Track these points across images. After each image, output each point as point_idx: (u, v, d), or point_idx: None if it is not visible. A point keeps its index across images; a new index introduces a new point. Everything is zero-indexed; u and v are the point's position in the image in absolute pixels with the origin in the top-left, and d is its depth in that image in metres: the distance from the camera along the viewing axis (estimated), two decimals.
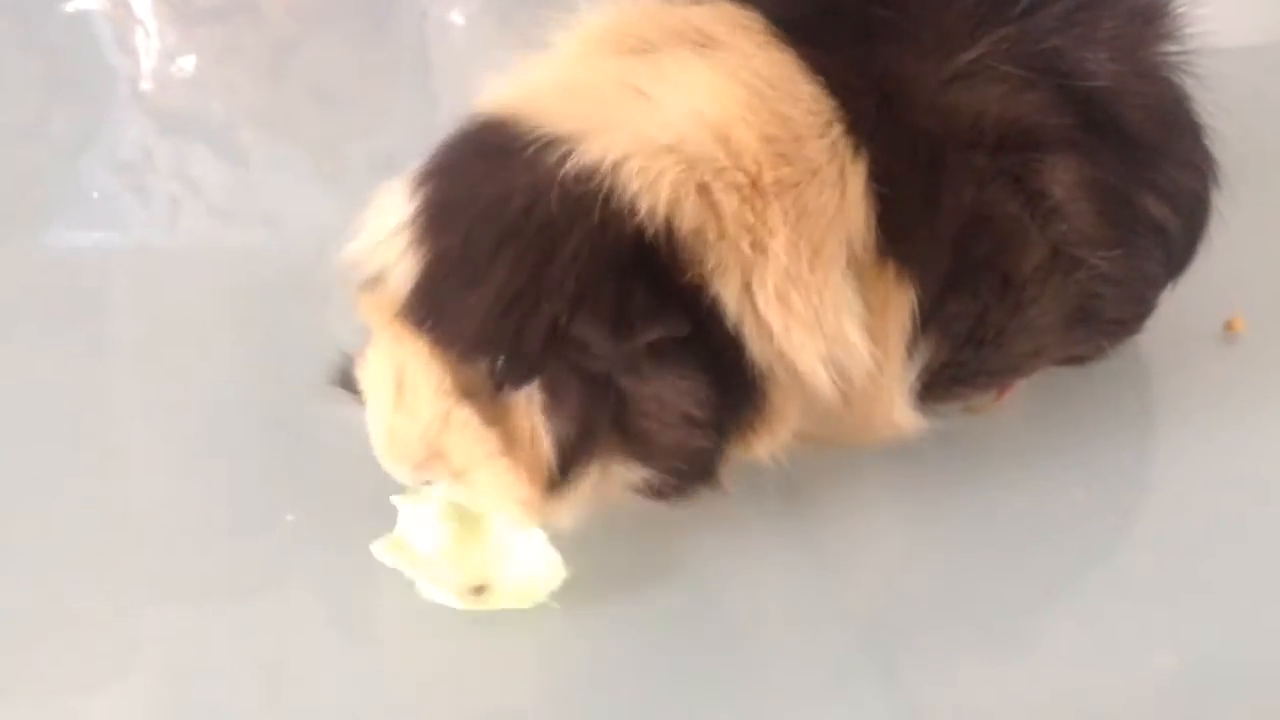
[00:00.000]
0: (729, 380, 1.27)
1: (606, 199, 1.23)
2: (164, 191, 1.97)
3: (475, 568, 1.35)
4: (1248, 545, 1.43)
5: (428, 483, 1.32)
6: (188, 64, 1.99)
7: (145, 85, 1.99)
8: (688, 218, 1.25)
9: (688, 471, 1.30)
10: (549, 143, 1.25)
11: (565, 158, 1.24)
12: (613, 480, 1.30)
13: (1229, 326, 1.67)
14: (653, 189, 1.24)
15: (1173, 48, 1.48)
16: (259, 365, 1.69)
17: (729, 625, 1.34)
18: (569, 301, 1.21)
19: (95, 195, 1.97)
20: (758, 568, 1.40)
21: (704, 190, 1.25)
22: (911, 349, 1.36)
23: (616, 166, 1.24)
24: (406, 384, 1.28)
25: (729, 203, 1.26)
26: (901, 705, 1.27)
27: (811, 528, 1.43)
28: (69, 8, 1.93)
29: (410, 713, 1.28)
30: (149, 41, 1.98)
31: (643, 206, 1.23)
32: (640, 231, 1.23)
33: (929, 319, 1.35)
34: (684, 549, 1.40)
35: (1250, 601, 1.37)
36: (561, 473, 1.26)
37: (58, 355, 1.72)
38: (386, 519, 1.38)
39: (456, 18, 2.03)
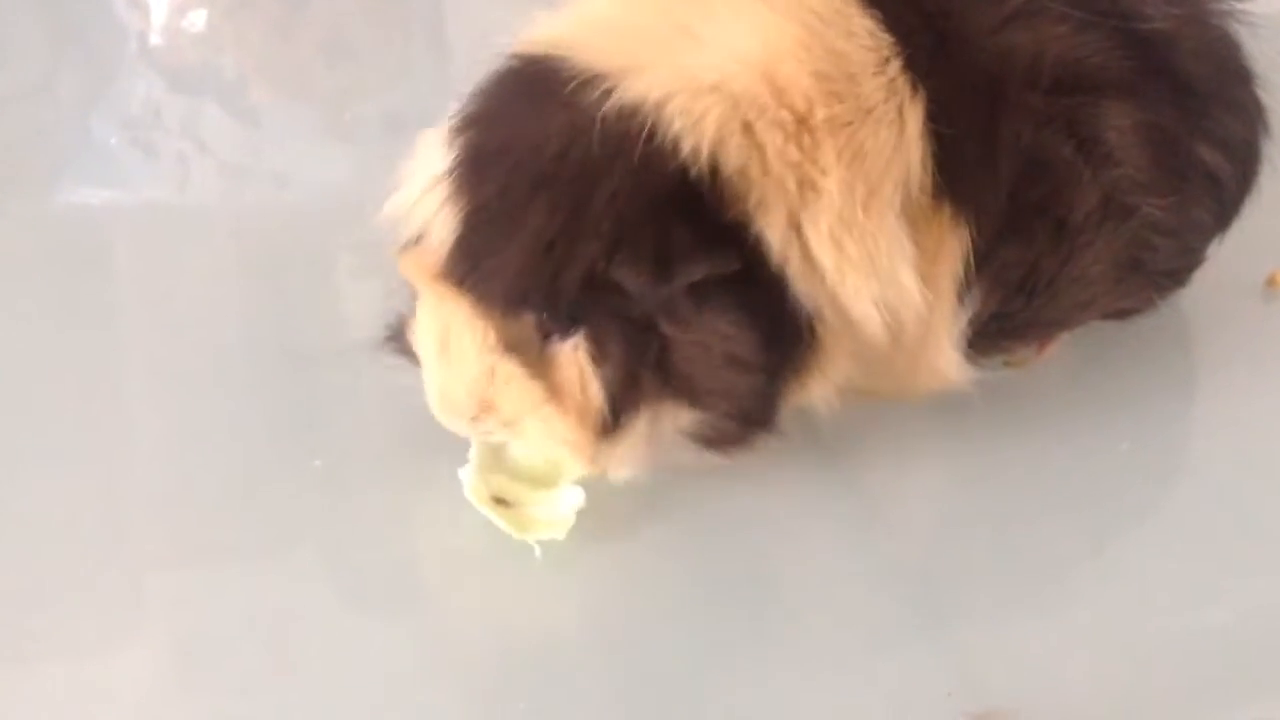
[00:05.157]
0: (777, 320, 1.26)
1: (649, 138, 1.21)
2: (173, 149, 1.95)
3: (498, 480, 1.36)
4: None
5: (483, 435, 1.32)
6: (198, 19, 1.98)
7: (155, 41, 1.98)
8: (732, 156, 1.23)
9: (742, 415, 1.29)
10: (589, 80, 1.23)
11: (606, 95, 1.22)
12: (666, 426, 1.29)
13: (1270, 283, 1.66)
14: (696, 129, 1.22)
15: None
16: (268, 324, 1.68)
17: (775, 579, 1.33)
18: (606, 245, 1.20)
19: (104, 153, 1.94)
20: (803, 521, 1.38)
21: (748, 129, 1.24)
22: (963, 295, 1.34)
23: (660, 105, 1.22)
24: (452, 340, 1.27)
25: (772, 140, 1.24)
26: (948, 659, 1.26)
27: (857, 482, 1.42)
28: None
29: (432, 669, 1.28)
30: None
31: (686, 146, 1.21)
32: (683, 171, 1.22)
33: (982, 265, 1.33)
34: (728, 503, 1.38)
35: None
36: (613, 419, 1.25)
37: (66, 313, 1.70)
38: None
39: None
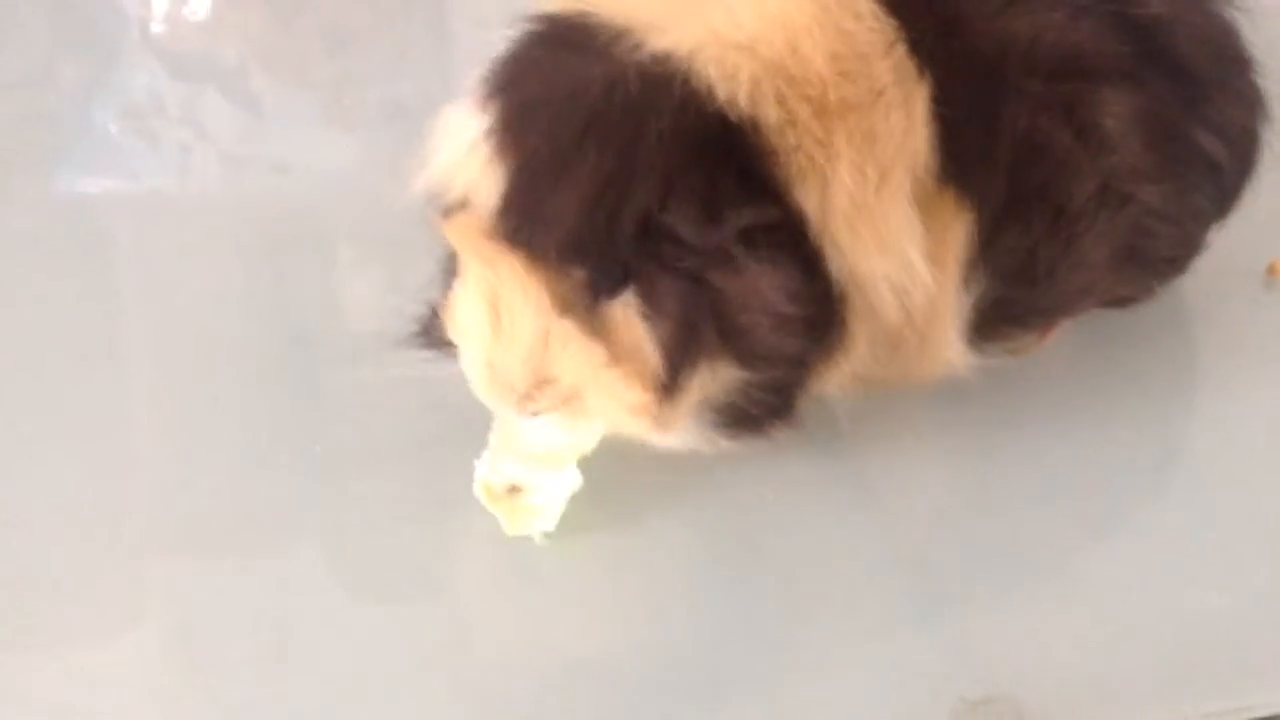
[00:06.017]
0: (815, 297, 1.25)
1: (685, 80, 1.21)
2: (174, 137, 1.94)
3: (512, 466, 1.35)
4: None
5: (535, 414, 1.28)
6: (199, 7, 1.97)
7: (156, 28, 1.97)
8: (771, 115, 1.23)
9: (783, 385, 1.29)
10: (620, 33, 1.23)
11: (639, 46, 1.22)
12: (718, 389, 1.28)
13: (1271, 271, 1.65)
14: (731, 79, 1.22)
15: None
16: (268, 312, 1.67)
17: (774, 568, 1.33)
18: (659, 185, 1.19)
19: (104, 141, 1.93)
20: (805, 508, 1.38)
21: (781, 96, 1.24)
22: (967, 279, 1.34)
23: (692, 54, 1.22)
24: (503, 307, 1.24)
25: (803, 113, 1.24)
26: (949, 646, 1.26)
27: (859, 468, 1.42)
28: None
29: (431, 656, 1.27)
30: None
31: (721, 94, 1.22)
32: (723, 117, 1.22)
33: (984, 251, 1.33)
34: (732, 490, 1.38)
35: None
36: (670, 377, 1.24)
37: (67, 301, 1.69)
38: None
39: None
